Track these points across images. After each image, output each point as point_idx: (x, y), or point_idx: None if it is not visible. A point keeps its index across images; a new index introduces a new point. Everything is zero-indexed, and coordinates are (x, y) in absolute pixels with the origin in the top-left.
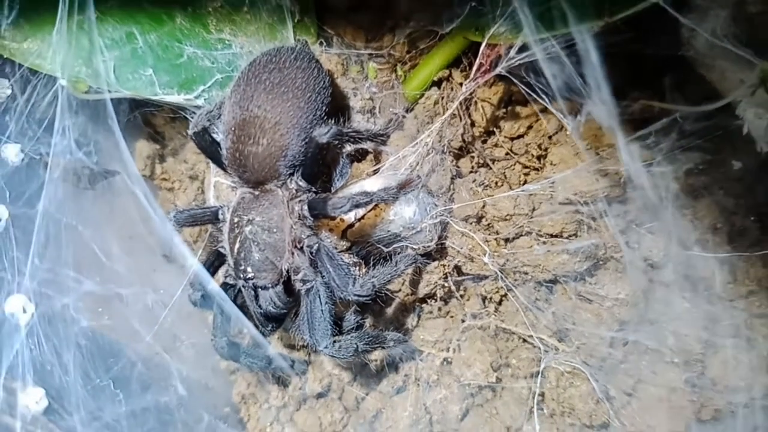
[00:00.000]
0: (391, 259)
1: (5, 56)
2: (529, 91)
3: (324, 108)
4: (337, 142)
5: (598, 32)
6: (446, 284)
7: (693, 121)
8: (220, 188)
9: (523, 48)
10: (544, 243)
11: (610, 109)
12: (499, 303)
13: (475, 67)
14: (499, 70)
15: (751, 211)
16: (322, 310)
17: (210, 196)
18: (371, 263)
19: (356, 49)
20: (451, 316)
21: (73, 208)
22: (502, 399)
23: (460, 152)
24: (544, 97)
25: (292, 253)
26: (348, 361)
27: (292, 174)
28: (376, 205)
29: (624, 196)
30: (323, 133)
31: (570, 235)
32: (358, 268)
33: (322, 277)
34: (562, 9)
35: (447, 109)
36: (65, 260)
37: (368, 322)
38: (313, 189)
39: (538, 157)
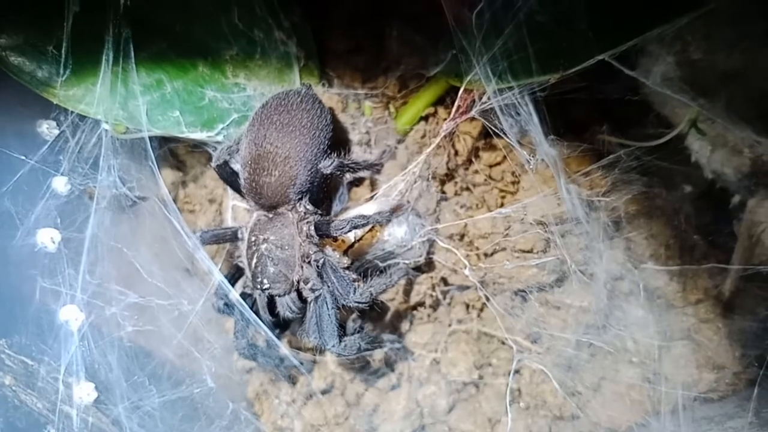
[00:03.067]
0: (386, 272)
1: (56, 102)
2: (498, 132)
3: (327, 142)
4: (338, 172)
5: (557, 83)
6: (434, 293)
7: (648, 152)
8: (237, 210)
9: (491, 95)
10: (517, 258)
11: (551, 151)
12: (481, 310)
13: (454, 109)
14: (472, 113)
15: (700, 229)
16: (329, 315)
17: (227, 217)
18: (370, 276)
19: (354, 89)
20: (439, 321)
21: (116, 232)
22: (484, 394)
23: (446, 178)
24: (511, 137)
25: (302, 267)
26: (351, 359)
27: (300, 199)
28: (372, 227)
29: (587, 217)
30: (327, 165)
31: (539, 251)
32: (358, 281)
33: (328, 286)
34: (524, 63)
35: (433, 142)
36: (112, 276)
37: (368, 326)
38: (319, 212)
39: (513, 183)
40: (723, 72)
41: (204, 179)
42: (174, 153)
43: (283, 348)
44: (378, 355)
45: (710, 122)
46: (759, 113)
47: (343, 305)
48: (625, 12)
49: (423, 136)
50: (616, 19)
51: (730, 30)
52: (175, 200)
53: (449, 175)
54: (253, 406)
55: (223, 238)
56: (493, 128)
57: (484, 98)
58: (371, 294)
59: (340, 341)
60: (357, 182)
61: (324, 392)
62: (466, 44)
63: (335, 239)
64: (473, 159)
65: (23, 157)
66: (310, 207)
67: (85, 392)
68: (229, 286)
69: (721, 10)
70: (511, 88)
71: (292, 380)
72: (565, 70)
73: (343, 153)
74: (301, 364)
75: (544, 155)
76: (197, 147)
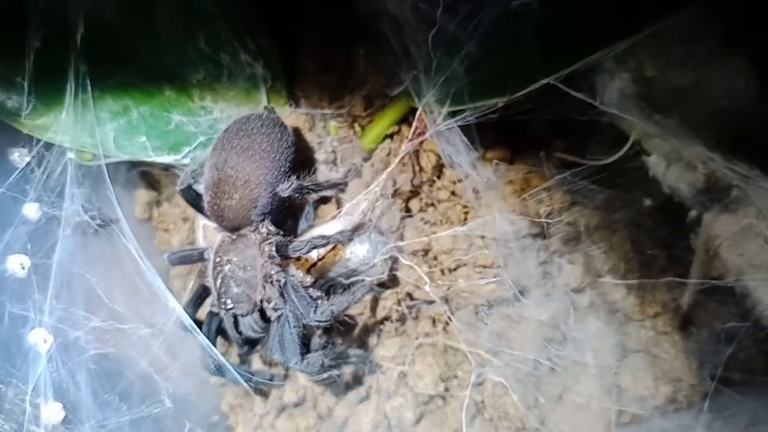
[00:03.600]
0: (350, 289)
1: (25, 132)
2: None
3: (288, 165)
4: (297, 194)
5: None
6: (400, 308)
7: (607, 168)
8: (207, 229)
9: (447, 116)
10: (479, 273)
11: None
12: (446, 324)
13: (412, 130)
14: (426, 135)
15: (659, 243)
16: (290, 333)
17: (199, 236)
18: (335, 294)
19: (321, 108)
20: (407, 335)
21: (81, 258)
22: (450, 406)
23: (411, 194)
24: (461, 158)
25: (264, 287)
26: (321, 378)
27: (262, 220)
28: (334, 246)
29: (547, 232)
30: (285, 189)
31: (499, 266)
32: (321, 299)
33: (289, 306)
34: (475, 86)
35: (396, 161)
36: (76, 301)
37: (338, 341)
38: (281, 233)
39: (475, 199)
40: (676, 89)
41: (178, 199)
42: (148, 174)
43: (233, 367)
44: (348, 368)
45: (665, 139)
46: (711, 130)
47: (304, 324)
48: (570, 36)
49: (388, 154)
50: (562, 43)
51: (679, 49)
52: (149, 219)
53: (414, 192)
54: (228, 419)
55: (190, 259)
56: (442, 151)
57: (439, 120)
58: (332, 312)
59: (302, 359)
60: (323, 200)
61: (296, 405)
62: (423, 66)
63: (298, 259)
64: (439, 175)
65: None
66: (272, 228)
67: (53, 412)
68: (186, 315)
69: (665, 31)
70: (462, 111)
71: (265, 394)
72: (512, 93)
73: (303, 175)
74: (272, 378)
75: (486, 177)
76: (171, 167)
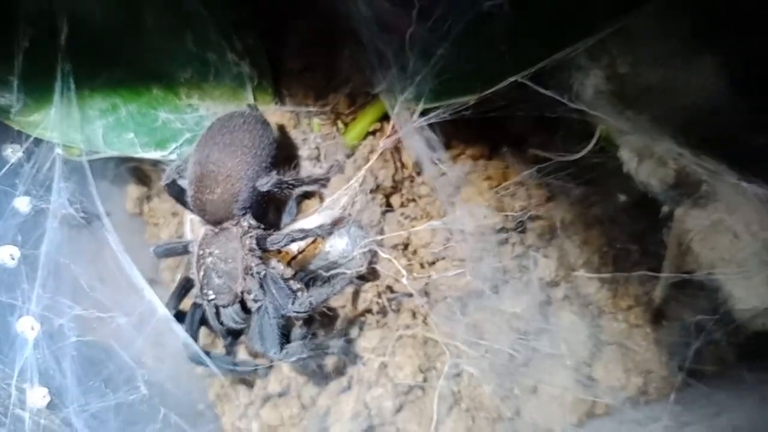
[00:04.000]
0: (330, 282)
1: (17, 128)
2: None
3: (269, 160)
4: (277, 189)
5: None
6: (380, 301)
7: (582, 163)
8: (194, 223)
9: (423, 113)
10: (456, 266)
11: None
12: (426, 316)
13: (389, 127)
14: (401, 133)
15: (633, 237)
16: (270, 324)
17: (186, 230)
18: (315, 286)
19: (306, 106)
20: (388, 327)
21: (68, 249)
22: (429, 396)
23: (392, 190)
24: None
25: (245, 279)
26: (304, 365)
27: (244, 214)
28: (314, 240)
29: (522, 227)
30: (264, 183)
31: (475, 261)
32: (300, 291)
33: (269, 297)
34: (448, 84)
35: (380, 155)
36: (62, 290)
37: (320, 332)
38: (262, 226)
39: (455, 194)
40: (647, 86)
41: (167, 194)
42: (139, 170)
43: (212, 357)
44: (330, 359)
45: (637, 135)
46: (681, 126)
47: (283, 315)
48: (539, 36)
49: (370, 151)
50: (531, 42)
51: (649, 46)
52: (140, 214)
53: (395, 188)
54: (214, 408)
55: (175, 251)
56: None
57: (414, 117)
58: (311, 303)
59: (282, 349)
60: (307, 196)
61: (280, 395)
62: (400, 66)
63: (279, 251)
64: (418, 172)
65: None
66: (253, 222)
67: (38, 396)
68: (163, 307)
69: (636, 28)
70: (437, 108)
71: (250, 384)
72: (482, 91)
73: (285, 170)
74: (256, 369)
75: (462, 173)
76: (160, 163)
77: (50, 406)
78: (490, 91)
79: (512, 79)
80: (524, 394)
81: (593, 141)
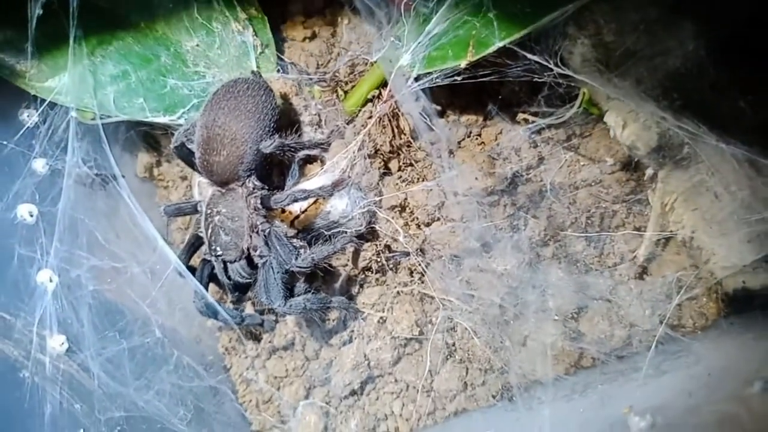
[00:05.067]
0: (331, 240)
1: (33, 93)
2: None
3: (272, 124)
4: (279, 152)
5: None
6: (379, 259)
7: (571, 128)
8: (202, 186)
9: (417, 79)
10: (450, 226)
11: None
12: (423, 274)
13: (386, 93)
14: (396, 97)
15: (618, 199)
16: (275, 278)
17: (195, 192)
18: (318, 244)
19: (308, 74)
20: (386, 284)
21: (83, 207)
22: (425, 348)
23: (391, 155)
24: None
25: (251, 236)
26: (308, 319)
27: (249, 176)
28: (315, 200)
29: (513, 189)
30: (267, 145)
31: (468, 220)
32: (303, 248)
33: (273, 253)
34: (442, 50)
35: (378, 122)
36: (78, 244)
37: (323, 289)
38: (266, 187)
39: (450, 158)
40: (632, 52)
41: (177, 159)
42: (150, 135)
43: (221, 309)
44: (333, 315)
45: (622, 100)
46: (663, 91)
47: (287, 270)
48: (523, 3)
49: (370, 117)
50: (516, 9)
51: (633, 14)
52: (151, 178)
53: (394, 152)
54: (223, 360)
55: (184, 210)
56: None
57: (409, 82)
58: (312, 260)
59: (286, 302)
60: (309, 160)
61: (285, 348)
62: (396, 35)
63: (283, 211)
64: (415, 137)
65: (4, 142)
66: (257, 183)
67: (57, 343)
68: (176, 258)
69: None
70: (431, 73)
71: (257, 337)
72: (473, 56)
73: (287, 133)
74: (263, 323)
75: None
76: (168, 127)
77: (68, 351)
78: (480, 56)
79: (500, 44)
80: (514, 346)
81: (577, 103)
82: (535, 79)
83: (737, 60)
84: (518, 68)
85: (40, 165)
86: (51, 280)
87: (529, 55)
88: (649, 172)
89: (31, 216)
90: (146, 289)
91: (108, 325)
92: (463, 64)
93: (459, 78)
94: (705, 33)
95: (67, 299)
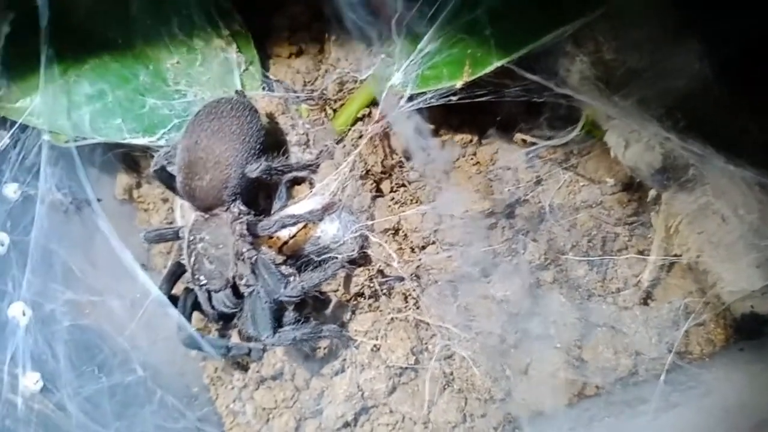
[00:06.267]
0: (322, 266)
1: (2, 115)
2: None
3: (258, 146)
4: (266, 176)
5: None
6: (372, 285)
7: (571, 148)
8: (185, 209)
9: (410, 99)
10: (446, 250)
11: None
12: (417, 299)
13: (378, 112)
14: (388, 118)
15: (620, 221)
16: (262, 308)
17: (177, 215)
18: (307, 271)
19: (294, 92)
20: (380, 311)
21: (57, 235)
22: (421, 378)
23: (383, 176)
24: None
25: (236, 264)
26: (298, 349)
27: (234, 200)
28: (305, 225)
29: (511, 211)
30: (253, 169)
31: (465, 245)
32: (292, 276)
33: (260, 282)
34: (436, 70)
35: (369, 141)
36: (52, 276)
37: (313, 316)
38: (252, 212)
39: (444, 179)
40: (634, 71)
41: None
42: (128, 155)
43: (204, 343)
44: (323, 343)
45: (624, 120)
46: (667, 111)
47: (274, 300)
48: (524, 20)
49: (360, 137)
50: (514, 28)
51: (635, 31)
52: (130, 200)
53: (386, 173)
54: (208, 391)
55: (165, 236)
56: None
57: (402, 102)
58: (302, 288)
59: (274, 333)
60: (297, 182)
61: (274, 378)
62: (387, 52)
63: (270, 237)
64: (408, 157)
65: None
66: (243, 208)
67: (31, 381)
68: (157, 291)
69: (621, 14)
70: (424, 93)
71: (244, 367)
72: (469, 76)
73: (274, 156)
74: (249, 352)
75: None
76: (148, 149)
77: (43, 390)
78: (476, 75)
79: (498, 64)
80: (515, 375)
81: (579, 126)
82: (534, 99)
83: (745, 79)
84: (516, 88)
85: (11, 191)
86: (24, 314)
87: (529, 75)
88: (652, 193)
89: (2, 245)
90: (126, 322)
91: (86, 361)
92: (458, 84)
93: (455, 98)
94: (712, 51)
95: (42, 334)
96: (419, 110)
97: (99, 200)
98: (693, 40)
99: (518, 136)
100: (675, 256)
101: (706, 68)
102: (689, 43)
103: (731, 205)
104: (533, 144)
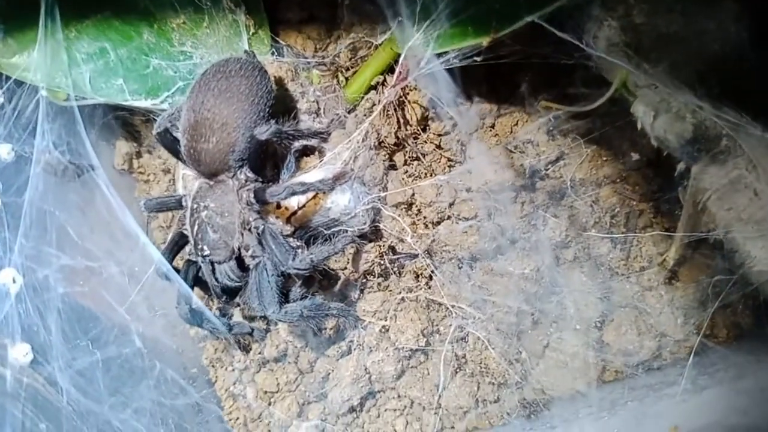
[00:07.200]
0: (331, 240)
1: None
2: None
3: (267, 110)
4: (276, 139)
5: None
6: (382, 262)
7: (594, 120)
8: (187, 179)
9: (430, 60)
10: (462, 225)
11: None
12: (430, 278)
13: (395, 76)
14: (409, 79)
15: (645, 197)
16: (269, 281)
17: (179, 186)
18: (316, 244)
19: (305, 57)
20: (389, 290)
21: (52, 197)
22: (432, 361)
23: (396, 147)
24: (443, 102)
25: (242, 234)
26: (301, 326)
27: (241, 166)
28: (315, 194)
29: (531, 185)
30: (263, 132)
31: (482, 219)
32: (300, 249)
33: (268, 253)
34: (459, 28)
35: (383, 111)
36: (47, 239)
37: (319, 294)
38: (259, 179)
39: (460, 152)
40: (665, 36)
41: (158, 150)
42: (128, 122)
43: (213, 318)
44: (329, 323)
45: (654, 87)
46: (699, 78)
47: (283, 273)
48: None
49: (373, 106)
50: None
51: None
52: (130, 170)
53: (399, 145)
54: (207, 374)
55: (167, 205)
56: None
57: (422, 63)
58: (311, 261)
59: (281, 308)
60: (306, 152)
61: (277, 360)
62: (407, 12)
63: (278, 207)
64: (423, 128)
65: None
66: (250, 174)
67: (21, 353)
68: (162, 257)
69: None
70: (446, 53)
71: (245, 348)
72: (497, 33)
73: (283, 120)
74: (252, 332)
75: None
76: (150, 116)
77: (33, 363)
78: (504, 32)
79: (528, 19)
80: (532, 358)
81: (611, 90)
82: (562, 61)
83: None
84: (546, 48)
85: (4, 151)
86: (14, 281)
87: (559, 32)
88: (680, 167)
89: None
90: (124, 293)
91: (80, 332)
92: (485, 42)
93: (479, 59)
94: (748, 12)
95: (33, 303)
96: (440, 76)
97: (76, 164)
98: (728, 2)
99: (543, 103)
100: (702, 233)
101: (742, 31)
102: (725, 5)
103: (766, 178)
104: (558, 110)
